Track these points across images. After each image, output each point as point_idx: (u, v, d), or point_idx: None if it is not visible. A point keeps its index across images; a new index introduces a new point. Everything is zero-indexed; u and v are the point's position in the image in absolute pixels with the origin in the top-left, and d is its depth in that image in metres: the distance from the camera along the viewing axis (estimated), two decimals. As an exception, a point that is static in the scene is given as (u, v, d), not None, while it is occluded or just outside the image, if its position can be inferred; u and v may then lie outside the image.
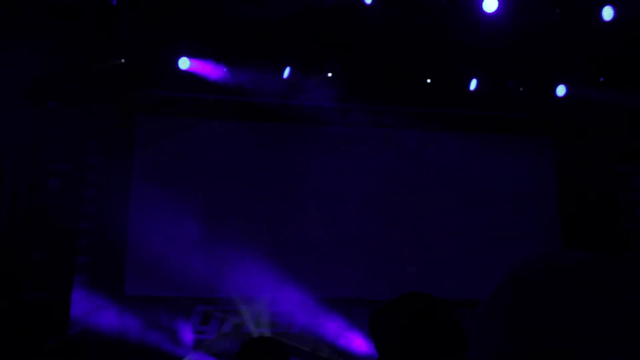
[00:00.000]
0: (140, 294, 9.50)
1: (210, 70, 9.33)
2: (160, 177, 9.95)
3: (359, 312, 9.87)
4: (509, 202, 10.94)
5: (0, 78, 7.42)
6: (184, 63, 9.16)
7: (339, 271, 10.12)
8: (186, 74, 9.23)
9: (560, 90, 10.12)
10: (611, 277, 0.72)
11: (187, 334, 9.47)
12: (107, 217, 9.30)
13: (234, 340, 9.13)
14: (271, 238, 10.07)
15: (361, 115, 10.26)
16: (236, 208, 10.08)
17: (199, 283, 9.70)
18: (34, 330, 7.40)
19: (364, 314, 9.77)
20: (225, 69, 9.36)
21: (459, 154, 10.65)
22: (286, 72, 9.57)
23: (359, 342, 9.54)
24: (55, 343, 2.40)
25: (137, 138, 9.86)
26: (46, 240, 8.22)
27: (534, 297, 0.75)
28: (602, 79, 10.22)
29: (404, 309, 1.76)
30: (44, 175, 8.30)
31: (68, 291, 8.53)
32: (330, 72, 9.67)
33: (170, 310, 9.42)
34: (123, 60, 8.89)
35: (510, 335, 0.74)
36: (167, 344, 9.20)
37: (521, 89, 10.17)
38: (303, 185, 10.26)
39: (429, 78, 9.98)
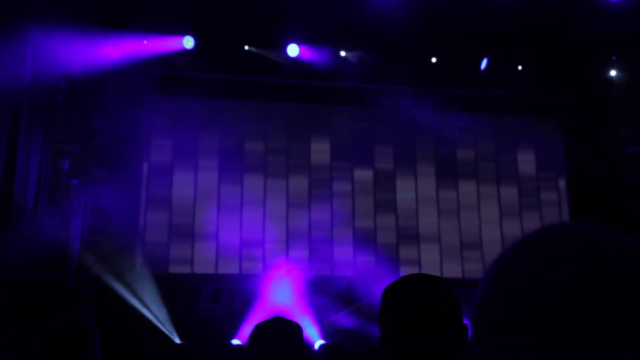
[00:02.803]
0: (152, 272, 9.57)
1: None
2: (170, 155, 9.99)
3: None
4: (520, 181, 10.97)
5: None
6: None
7: (357, 249, 10.18)
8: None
9: (571, 71, 10.07)
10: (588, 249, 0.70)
11: None
12: (118, 196, 9.34)
13: None
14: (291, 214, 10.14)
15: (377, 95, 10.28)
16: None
17: (211, 261, 9.78)
18: (46, 309, 7.47)
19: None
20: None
21: (473, 134, 10.65)
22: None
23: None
24: (58, 323, 2.39)
25: (146, 119, 9.88)
26: (57, 221, 8.26)
27: (508, 269, 0.73)
28: (614, 58, 10.14)
29: (409, 289, 1.76)
30: (53, 155, 8.32)
31: (79, 271, 8.59)
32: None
33: (180, 288, 9.48)
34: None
35: (482, 306, 0.73)
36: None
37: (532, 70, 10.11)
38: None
39: (443, 59, 9.95)
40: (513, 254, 0.75)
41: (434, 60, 10.02)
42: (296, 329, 2.46)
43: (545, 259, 0.70)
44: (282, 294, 9.50)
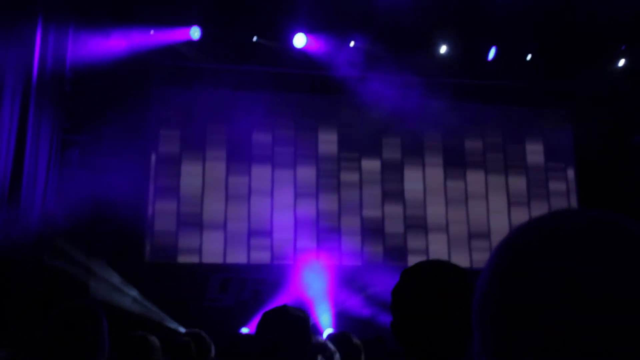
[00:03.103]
0: (160, 261, 9.63)
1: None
2: (178, 146, 10.02)
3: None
4: (528, 171, 10.95)
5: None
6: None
7: (365, 239, 10.20)
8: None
9: (579, 61, 10.02)
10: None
11: None
12: (126, 186, 9.37)
13: None
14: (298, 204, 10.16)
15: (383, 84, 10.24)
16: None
17: (219, 251, 9.82)
18: (54, 297, 7.53)
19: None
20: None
21: (481, 124, 10.63)
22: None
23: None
24: (65, 309, 2.40)
25: (154, 109, 9.90)
26: (66, 210, 8.30)
27: (515, 258, 0.70)
28: (623, 47, 10.08)
29: (421, 276, 1.76)
30: (62, 145, 8.36)
31: (88, 259, 8.64)
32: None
33: (189, 277, 9.53)
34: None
35: (487, 295, 0.71)
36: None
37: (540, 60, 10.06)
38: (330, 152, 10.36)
39: (451, 49, 9.90)
40: (519, 243, 0.72)
41: (443, 50, 9.97)
42: (304, 317, 2.46)
43: (554, 247, 0.67)
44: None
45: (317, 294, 9.54)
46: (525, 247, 0.70)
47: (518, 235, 0.73)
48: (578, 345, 0.62)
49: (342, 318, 9.56)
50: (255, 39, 9.64)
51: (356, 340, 3.64)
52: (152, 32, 9.17)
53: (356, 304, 9.73)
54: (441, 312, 1.66)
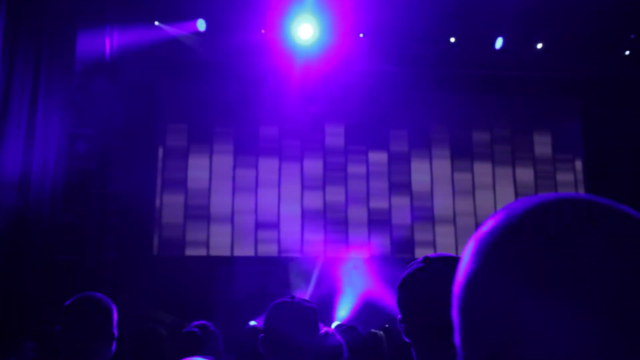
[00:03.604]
0: (168, 255, 9.68)
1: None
2: (185, 139, 10.06)
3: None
4: (536, 163, 10.93)
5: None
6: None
7: (372, 231, 10.22)
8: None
9: (588, 51, 9.97)
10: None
11: None
12: (134, 180, 9.43)
13: None
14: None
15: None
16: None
17: (227, 244, 9.86)
18: (65, 291, 7.57)
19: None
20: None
21: (489, 115, 10.60)
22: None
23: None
24: (74, 301, 2.44)
25: (162, 102, 9.93)
26: (75, 204, 8.34)
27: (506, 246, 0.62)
28: (632, 36, 10.02)
29: (427, 271, 1.77)
30: (70, 139, 8.39)
31: (97, 253, 8.69)
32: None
33: (196, 270, 9.57)
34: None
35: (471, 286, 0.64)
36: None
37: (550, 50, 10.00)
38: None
39: (458, 39, 9.85)
40: (508, 229, 0.64)
41: (452, 40, 9.89)
42: (311, 309, 2.48)
43: (554, 235, 0.61)
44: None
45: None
46: (521, 240, 0.62)
47: (510, 225, 0.64)
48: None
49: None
50: (263, 32, 9.62)
51: (363, 332, 3.66)
52: (157, 23, 9.16)
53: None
54: (447, 305, 1.67)
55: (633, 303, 0.57)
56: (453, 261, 1.74)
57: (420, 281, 1.70)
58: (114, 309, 2.44)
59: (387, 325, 7.28)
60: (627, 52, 10.23)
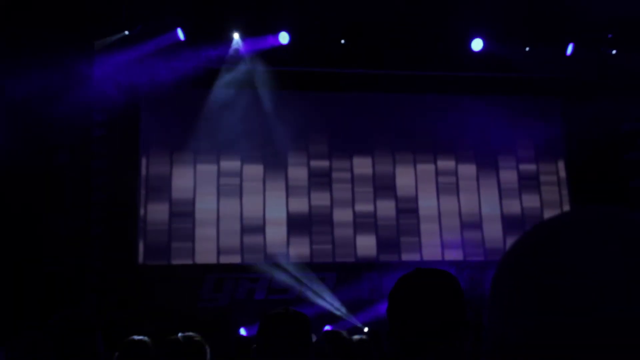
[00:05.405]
0: (153, 264, 9.63)
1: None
2: (168, 147, 10.02)
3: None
4: (519, 160, 10.99)
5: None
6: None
7: (358, 234, 10.23)
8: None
9: (569, 50, 10.07)
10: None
11: None
12: (117, 188, 9.39)
13: None
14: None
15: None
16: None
17: (213, 250, 9.83)
18: (53, 301, 7.52)
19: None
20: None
21: (470, 115, 10.64)
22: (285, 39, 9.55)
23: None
24: (62, 317, 2.42)
25: (142, 107, 9.89)
26: (59, 214, 8.29)
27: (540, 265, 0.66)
28: (610, 36, 10.12)
29: (414, 286, 1.80)
30: (53, 149, 8.35)
31: (83, 263, 8.64)
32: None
33: (183, 278, 9.53)
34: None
35: (510, 318, 0.67)
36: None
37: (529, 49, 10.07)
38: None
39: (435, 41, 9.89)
40: (529, 248, 0.69)
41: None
42: (304, 320, 2.51)
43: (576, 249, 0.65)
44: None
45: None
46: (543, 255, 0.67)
47: (530, 244, 0.70)
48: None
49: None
50: (236, 35, 9.57)
51: (348, 338, 3.67)
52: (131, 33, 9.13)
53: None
54: (435, 316, 1.70)
55: None
56: (443, 274, 1.76)
57: (411, 291, 1.72)
58: (98, 328, 2.41)
59: (365, 329, 7.31)
60: (607, 51, 10.32)
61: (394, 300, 1.77)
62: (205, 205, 9.93)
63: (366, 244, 10.24)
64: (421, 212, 10.52)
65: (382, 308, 9.53)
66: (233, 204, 10.02)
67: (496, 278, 0.71)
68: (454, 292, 1.75)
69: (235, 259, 9.87)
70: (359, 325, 9.22)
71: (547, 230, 0.69)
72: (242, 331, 9.18)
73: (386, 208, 10.44)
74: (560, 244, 0.66)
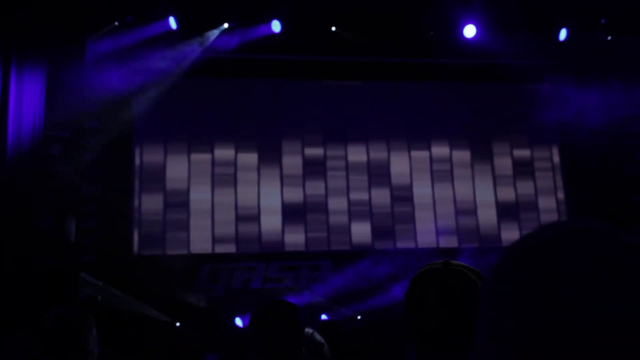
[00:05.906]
0: (148, 254, 9.63)
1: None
2: (162, 137, 9.99)
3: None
4: (513, 146, 11.00)
5: None
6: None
7: (353, 222, 10.24)
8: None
9: (562, 35, 10.03)
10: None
11: None
12: (110, 180, 9.37)
13: None
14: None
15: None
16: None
17: (208, 240, 9.83)
18: (47, 296, 7.51)
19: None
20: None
21: (464, 102, 10.63)
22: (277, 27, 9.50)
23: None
24: (55, 317, 2.40)
25: (135, 97, 9.84)
26: (51, 207, 8.25)
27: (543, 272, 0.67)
28: (603, 21, 10.09)
29: (434, 280, 1.78)
30: (44, 142, 8.30)
31: (76, 256, 8.61)
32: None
33: (178, 268, 9.54)
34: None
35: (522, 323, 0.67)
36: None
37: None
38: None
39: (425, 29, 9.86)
40: (516, 259, 0.71)
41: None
42: (295, 310, 2.53)
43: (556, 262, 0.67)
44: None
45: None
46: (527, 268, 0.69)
47: (517, 254, 0.72)
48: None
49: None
50: (226, 25, 9.53)
51: (340, 328, 3.68)
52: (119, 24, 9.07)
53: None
54: (450, 314, 1.69)
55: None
56: (471, 269, 1.75)
57: (436, 281, 1.71)
58: (93, 324, 2.39)
59: (359, 317, 7.33)
60: (601, 37, 10.29)
61: (412, 302, 1.76)
62: (200, 195, 9.93)
63: (361, 232, 10.27)
64: (416, 199, 10.54)
65: (377, 296, 9.63)
66: (227, 193, 10.01)
67: (494, 280, 0.72)
68: (472, 294, 1.73)
69: (230, 248, 9.87)
70: (354, 314, 9.24)
71: (546, 235, 0.71)
72: (238, 321, 9.20)
73: (381, 196, 10.45)
74: (560, 247, 0.67)
